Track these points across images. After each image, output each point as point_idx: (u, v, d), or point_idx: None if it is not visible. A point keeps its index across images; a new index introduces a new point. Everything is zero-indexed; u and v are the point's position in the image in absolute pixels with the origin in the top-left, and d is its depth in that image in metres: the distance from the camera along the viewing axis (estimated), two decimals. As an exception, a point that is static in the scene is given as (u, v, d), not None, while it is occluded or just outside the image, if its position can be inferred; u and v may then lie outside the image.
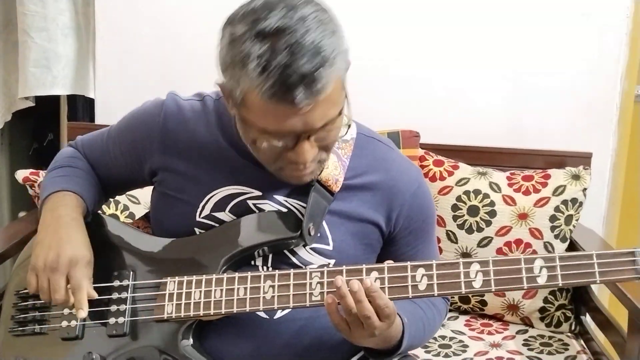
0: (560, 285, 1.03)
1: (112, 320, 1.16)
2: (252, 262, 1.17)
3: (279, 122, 1.00)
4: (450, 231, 1.92)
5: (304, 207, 1.15)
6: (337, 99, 1.02)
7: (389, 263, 1.08)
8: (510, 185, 1.92)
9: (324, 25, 0.98)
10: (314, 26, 0.96)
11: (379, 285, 1.05)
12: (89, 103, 2.29)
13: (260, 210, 1.17)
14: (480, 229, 1.89)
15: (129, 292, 1.17)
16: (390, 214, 1.21)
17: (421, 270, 1.06)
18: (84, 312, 1.12)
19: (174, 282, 1.15)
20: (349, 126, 1.19)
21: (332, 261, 1.17)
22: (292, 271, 1.10)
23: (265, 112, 0.99)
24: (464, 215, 1.91)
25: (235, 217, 1.17)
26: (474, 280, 1.04)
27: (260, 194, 1.17)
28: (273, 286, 1.10)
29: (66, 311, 1.18)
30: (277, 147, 1.04)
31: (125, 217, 1.88)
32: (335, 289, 1.04)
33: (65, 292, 1.13)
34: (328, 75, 0.97)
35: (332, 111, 1.02)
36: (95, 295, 1.15)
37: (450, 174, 1.97)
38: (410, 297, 1.06)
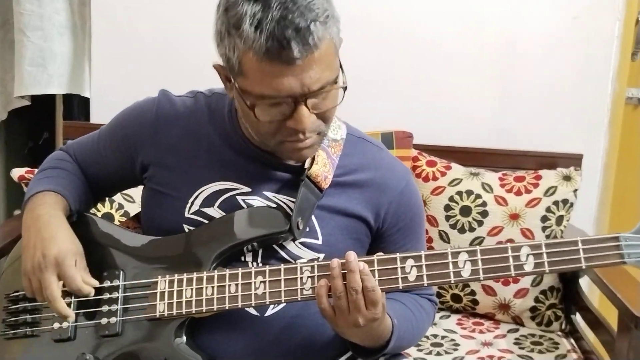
0: (547, 271, 1.03)
1: (104, 321, 1.15)
2: (242, 258, 1.17)
3: (276, 83, 0.99)
4: (443, 231, 1.91)
5: (293, 203, 1.15)
6: (332, 62, 1.03)
7: (378, 255, 1.08)
8: (502, 185, 1.92)
9: None
10: None
11: (375, 276, 1.05)
12: (85, 102, 2.28)
13: (249, 206, 1.17)
14: (472, 229, 1.89)
15: (120, 292, 1.16)
16: (379, 210, 1.21)
17: (410, 262, 1.06)
18: (91, 293, 1.15)
19: (165, 280, 1.14)
20: (343, 95, 1.19)
21: (322, 255, 1.17)
22: (282, 266, 1.10)
23: (262, 73, 0.99)
24: (456, 215, 1.90)
25: (224, 213, 1.17)
26: (462, 270, 1.04)
27: (249, 190, 1.17)
28: (264, 282, 1.09)
29: None
30: (276, 116, 1.04)
31: (120, 216, 1.86)
32: (329, 273, 1.05)
33: (56, 287, 1.12)
34: (320, 32, 0.98)
35: (327, 74, 1.02)
36: (97, 283, 1.15)
37: (443, 174, 1.97)
38: (400, 287, 1.06)
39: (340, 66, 1.06)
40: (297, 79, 0.99)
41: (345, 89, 1.07)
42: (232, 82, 1.07)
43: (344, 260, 1.05)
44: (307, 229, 1.17)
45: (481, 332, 1.85)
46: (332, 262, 1.05)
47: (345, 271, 1.04)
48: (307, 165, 1.17)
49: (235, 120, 1.18)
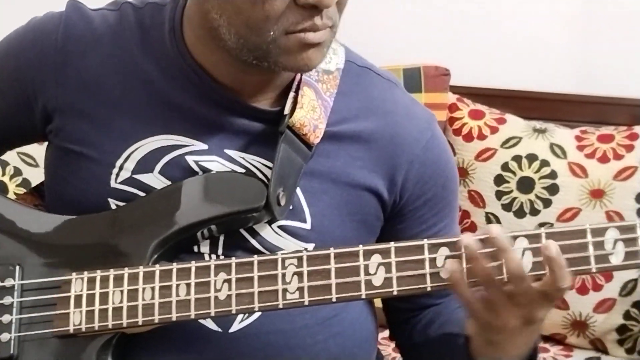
0: None
1: None
2: (196, 248, 1.17)
3: None
4: (492, 213, 1.94)
5: (269, 168, 1.16)
6: None
7: (397, 243, 1.07)
8: (580, 148, 1.94)
9: None
10: None
11: (393, 271, 1.05)
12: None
13: (206, 170, 1.17)
14: (535, 212, 1.91)
15: (15, 296, 1.17)
16: (394, 175, 1.22)
17: (443, 251, 1.06)
18: None
19: (82, 279, 1.14)
20: None
21: (310, 245, 1.18)
22: (256, 258, 1.10)
23: None
24: (512, 190, 1.93)
25: (169, 182, 1.17)
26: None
27: (205, 147, 1.18)
28: (229, 280, 1.09)
29: None
30: None
31: (17, 186, 1.88)
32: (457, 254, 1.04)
33: None
34: None
35: None
36: None
37: (494, 130, 1.99)
38: (429, 288, 1.06)
39: None
40: None
41: None
42: None
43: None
44: (290, 207, 1.17)
45: (546, 361, 1.88)
46: (464, 238, 1.03)
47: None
48: (287, 110, 1.17)
49: (181, 41, 1.18)
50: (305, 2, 1.04)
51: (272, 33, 1.07)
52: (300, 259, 1.09)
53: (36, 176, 1.84)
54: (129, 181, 1.18)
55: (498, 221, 1.93)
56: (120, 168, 1.18)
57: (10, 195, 1.83)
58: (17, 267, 1.18)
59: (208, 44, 1.14)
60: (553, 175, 1.92)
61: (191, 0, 1.16)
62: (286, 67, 1.13)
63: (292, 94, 1.18)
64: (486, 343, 1.09)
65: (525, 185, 1.92)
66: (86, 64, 1.20)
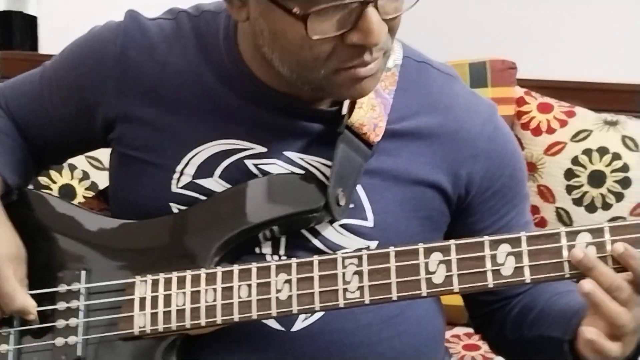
0: None
1: (59, 341, 1.17)
2: (257, 250, 1.18)
3: None
4: (562, 209, 1.93)
5: (329, 168, 1.16)
6: None
7: (457, 240, 1.08)
8: (653, 140, 1.92)
9: None
10: None
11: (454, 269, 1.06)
12: (30, 23, 2.31)
13: (266, 173, 1.18)
14: (607, 206, 1.91)
15: (82, 299, 1.19)
16: (458, 170, 1.22)
17: (505, 247, 1.06)
18: (33, 316, 1.17)
19: (146, 282, 1.16)
20: None
21: (373, 243, 1.18)
22: (316, 258, 1.11)
23: None
24: (582, 185, 1.92)
25: (229, 185, 1.19)
26: None
27: (264, 149, 1.18)
28: (290, 281, 1.10)
29: None
30: (332, 29, 1.04)
31: (86, 189, 1.90)
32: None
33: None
34: None
35: None
36: (33, 307, 1.18)
37: (563, 124, 1.97)
38: (490, 285, 1.06)
39: None
40: None
41: None
42: None
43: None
44: (352, 205, 1.17)
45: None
46: (576, 252, 1.03)
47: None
48: (344, 111, 1.17)
49: (236, 51, 1.19)
50: (352, 43, 1.04)
51: (322, 71, 1.08)
52: (360, 258, 1.09)
53: (104, 179, 1.82)
54: (190, 186, 1.20)
55: (569, 216, 1.93)
56: (181, 173, 1.20)
57: (79, 198, 1.87)
58: (83, 272, 1.20)
59: (263, 63, 1.15)
60: (625, 168, 1.91)
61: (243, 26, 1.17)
62: (341, 97, 1.15)
63: None
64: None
65: (597, 179, 1.91)
66: (145, 73, 1.22)
